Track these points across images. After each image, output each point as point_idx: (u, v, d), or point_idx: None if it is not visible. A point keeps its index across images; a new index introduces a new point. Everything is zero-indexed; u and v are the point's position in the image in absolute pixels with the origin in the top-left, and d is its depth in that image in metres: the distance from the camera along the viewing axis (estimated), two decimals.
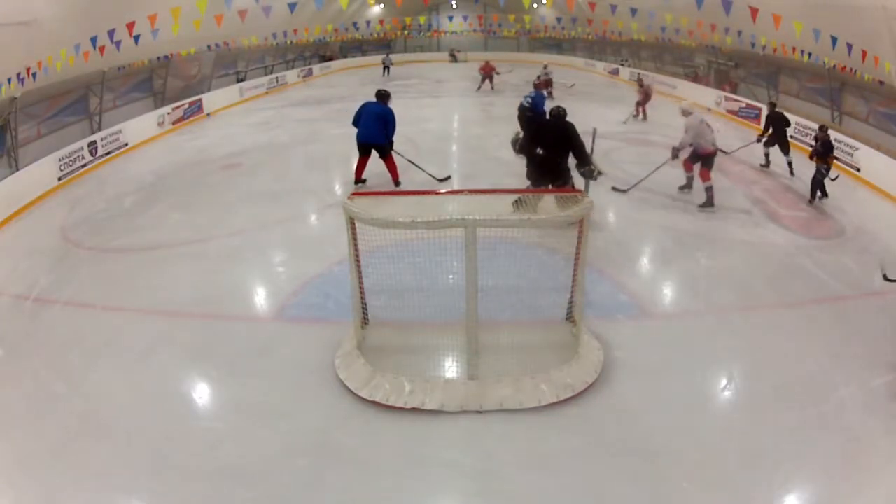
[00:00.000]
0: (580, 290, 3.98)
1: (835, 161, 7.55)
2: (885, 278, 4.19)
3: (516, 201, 4.49)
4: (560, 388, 3.59)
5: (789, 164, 8.50)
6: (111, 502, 3.00)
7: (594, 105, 14.69)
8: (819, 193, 7.45)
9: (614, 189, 7.53)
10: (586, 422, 3.45)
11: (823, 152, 7.33)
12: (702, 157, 7.04)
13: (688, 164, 7.33)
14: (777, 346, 4.17)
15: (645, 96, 12.68)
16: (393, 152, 7.50)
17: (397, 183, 7.51)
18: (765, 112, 11.40)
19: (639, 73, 13.88)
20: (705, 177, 7.06)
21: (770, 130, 8.72)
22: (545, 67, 15.53)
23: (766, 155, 8.92)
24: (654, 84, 13.85)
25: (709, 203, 6.98)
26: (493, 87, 17.21)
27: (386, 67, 21.94)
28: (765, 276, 5.21)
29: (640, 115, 12.76)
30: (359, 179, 7.67)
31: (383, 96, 7.48)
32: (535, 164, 5.77)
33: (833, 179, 7.57)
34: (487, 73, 17.35)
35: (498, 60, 25.34)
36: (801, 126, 10.18)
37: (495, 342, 3.87)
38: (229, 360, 4.10)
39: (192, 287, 5.19)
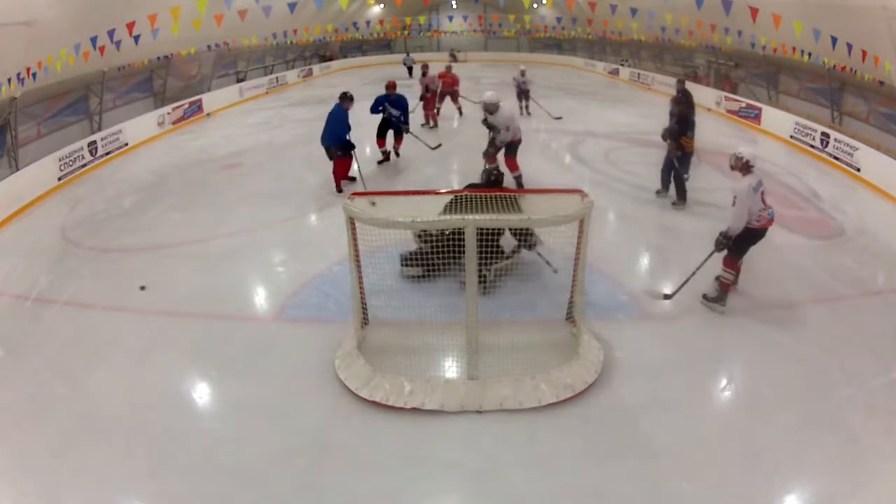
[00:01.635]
0: (580, 290, 3.98)
1: (692, 144, 6.38)
2: (666, 297, 4.56)
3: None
4: (560, 388, 3.60)
5: None
6: (111, 502, 3.00)
7: (594, 105, 14.70)
8: (676, 196, 6.63)
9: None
10: (586, 422, 3.45)
11: (679, 131, 6.24)
12: (507, 146, 6.85)
13: (512, 162, 6.94)
14: (777, 346, 4.17)
15: (446, 91, 10.70)
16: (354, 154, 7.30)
17: (339, 190, 7.33)
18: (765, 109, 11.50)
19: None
20: (514, 166, 6.90)
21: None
22: (522, 74, 12.44)
23: None
24: (457, 74, 11.12)
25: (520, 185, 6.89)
26: (460, 113, 12.38)
27: (409, 69, 20.77)
28: (765, 276, 5.20)
29: (430, 122, 10.99)
30: (346, 180, 7.61)
31: (340, 98, 7.20)
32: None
33: (685, 179, 6.25)
34: (449, 88, 11.81)
35: (498, 61, 25.49)
36: (801, 126, 10.19)
37: (495, 342, 3.87)
38: (229, 360, 4.10)
39: (192, 287, 5.19)
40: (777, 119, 11.16)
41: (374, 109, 8.27)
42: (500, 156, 7.23)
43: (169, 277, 5.41)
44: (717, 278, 4.61)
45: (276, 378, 3.90)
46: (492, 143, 7.13)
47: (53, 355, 4.24)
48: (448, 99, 11.89)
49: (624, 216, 6.73)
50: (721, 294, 4.57)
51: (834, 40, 8.86)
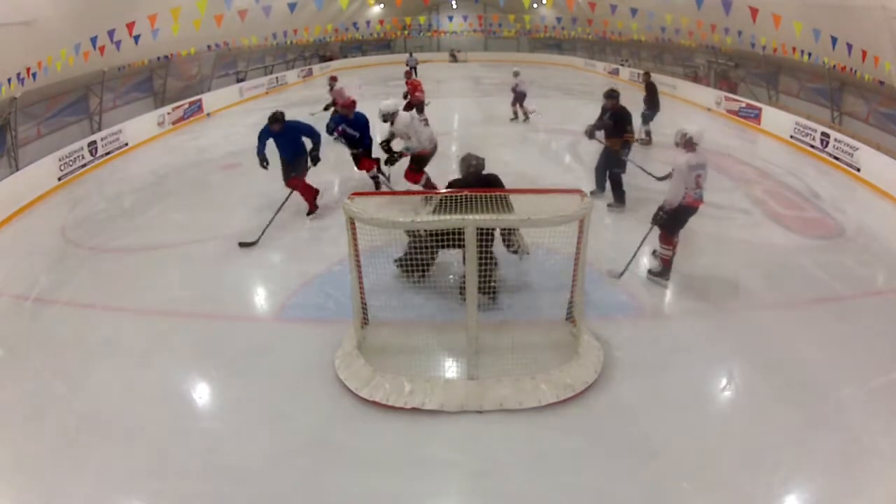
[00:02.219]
0: (580, 290, 3.97)
1: (634, 139, 6.17)
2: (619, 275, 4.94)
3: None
4: (560, 388, 3.59)
5: (647, 132, 9.57)
6: (111, 502, 3.00)
7: (594, 105, 14.66)
8: (613, 198, 6.37)
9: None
10: (586, 422, 3.45)
11: (614, 127, 6.03)
12: (415, 158, 6.21)
13: (413, 176, 6.27)
14: (777, 346, 4.17)
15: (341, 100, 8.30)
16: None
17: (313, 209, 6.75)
18: (764, 109, 11.51)
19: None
20: (414, 179, 6.22)
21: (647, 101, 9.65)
22: (516, 76, 11.77)
23: (648, 132, 9.65)
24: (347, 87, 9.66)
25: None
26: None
27: (413, 69, 19.94)
28: (765, 276, 5.21)
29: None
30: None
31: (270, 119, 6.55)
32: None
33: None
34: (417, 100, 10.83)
35: (498, 61, 25.48)
36: (801, 126, 10.19)
37: (495, 342, 3.87)
38: (229, 360, 4.10)
39: (192, 287, 5.20)
40: (777, 119, 11.17)
41: (330, 131, 7.28)
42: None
43: (169, 277, 5.41)
44: (658, 256, 5.01)
45: (276, 378, 3.90)
46: (391, 150, 6.46)
47: (53, 355, 4.24)
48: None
49: (624, 216, 6.73)
50: (664, 269, 4.96)
51: (834, 40, 8.86)
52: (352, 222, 3.77)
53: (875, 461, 3.16)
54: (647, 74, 10.22)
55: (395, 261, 4.79)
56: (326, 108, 10.29)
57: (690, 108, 14.33)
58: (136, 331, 4.53)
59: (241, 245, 5.97)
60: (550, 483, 3.04)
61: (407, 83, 11.17)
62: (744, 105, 12.43)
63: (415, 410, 3.50)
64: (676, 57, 18.30)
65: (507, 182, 6.81)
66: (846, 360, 3.99)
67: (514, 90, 11.94)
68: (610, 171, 6.56)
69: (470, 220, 3.44)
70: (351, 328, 4.12)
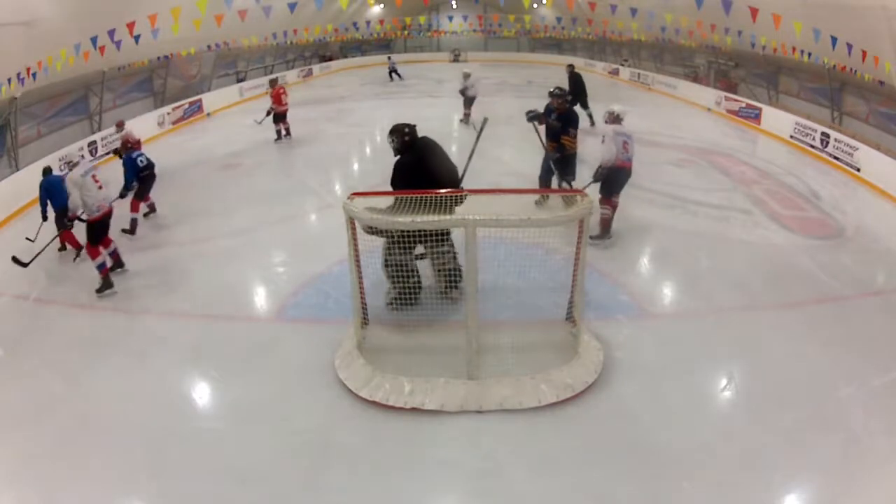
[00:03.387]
0: (580, 290, 3.97)
1: (575, 143, 5.87)
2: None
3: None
4: (560, 388, 3.59)
5: (589, 115, 10.61)
6: (110, 502, 3.00)
7: (594, 105, 14.66)
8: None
9: (14, 260, 5.45)
10: (586, 422, 3.45)
11: (561, 129, 5.82)
12: (88, 227, 5.28)
13: (92, 250, 5.20)
14: (777, 346, 4.17)
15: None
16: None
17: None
18: (764, 107, 11.51)
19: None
20: (93, 254, 5.20)
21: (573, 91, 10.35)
22: (466, 78, 11.32)
23: (590, 115, 10.65)
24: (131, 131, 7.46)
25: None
26: (283, 135, 10.65)
27: (392, 71, 20.06)
28: (765, 276, 5.21)
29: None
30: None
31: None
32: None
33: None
34: (282, 110, 10.45)
35: (497, 61, 25.48)
36: (801, 126, 10.19)
37: (495, 342, 3.87)
38: (229, 360, 4.10)
39: (191, 287, 5.20)
40: (777, 119, 11.17)
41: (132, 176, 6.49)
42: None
43: (169, 277, 5.41)
44: (599, 218, 5.58)
45: (276, 378, 3.90)
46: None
47: (53, 355, 4.24)
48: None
49: (623, 216, 6.71)
50: (603, 230, 5.63)
51: (834, 40, 8.86)
52: (352, 222, 3.77)
53: (875, 461, 3.16)
54: (570, 66, 11.38)
55: (388, 304, 4.52)
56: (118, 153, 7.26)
57: (690, 108, 14.32)
58: (135, 331, 4.54)
59: (15, 261, 5.48)
60: (550, 483, 3.04)
61: (272, 93, 10.30)
62: (744, 105, 12.42)
63: (415, 410, 3.50)
64: (676, 57, 18.30)
65: (507, 182, 6.86)
66: (846, 360, 3.99)
67: (462, 93, 11.45)
68: (563, 178, 6.14)
69: (470, 221, 3.44)
70: (351, 328, 4.12)
